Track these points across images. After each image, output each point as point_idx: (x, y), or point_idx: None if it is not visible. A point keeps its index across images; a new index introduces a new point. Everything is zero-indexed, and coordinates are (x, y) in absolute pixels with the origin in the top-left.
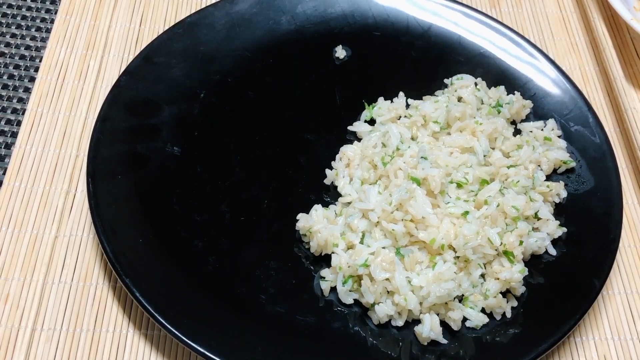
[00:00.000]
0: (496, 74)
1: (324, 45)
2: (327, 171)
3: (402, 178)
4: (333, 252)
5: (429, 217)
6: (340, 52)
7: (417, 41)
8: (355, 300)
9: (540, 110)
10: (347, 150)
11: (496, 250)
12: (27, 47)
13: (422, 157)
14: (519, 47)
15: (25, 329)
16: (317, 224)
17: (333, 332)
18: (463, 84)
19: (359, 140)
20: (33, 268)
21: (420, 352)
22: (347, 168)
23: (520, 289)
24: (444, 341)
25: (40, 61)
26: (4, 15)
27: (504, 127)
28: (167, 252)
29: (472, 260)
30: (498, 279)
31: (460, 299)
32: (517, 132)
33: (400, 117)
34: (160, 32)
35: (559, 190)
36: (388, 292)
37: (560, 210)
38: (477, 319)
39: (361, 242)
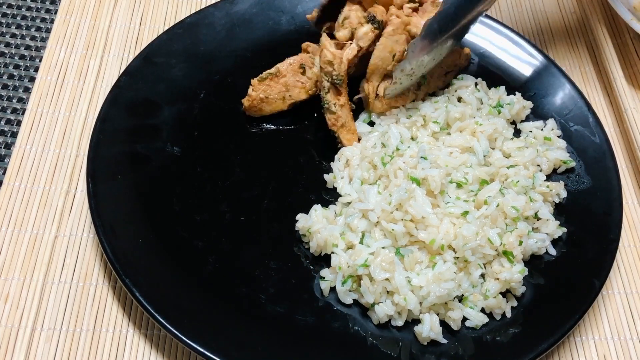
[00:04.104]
0: (496, 74)
1: None
2: (325, 176)
3: (401, 178)
4: (333, 252)
5: (428, 217)
6: None
7: None
8: (354, 300)
9: (540, 110)
10: (346, 151)
11: (496, 250)
12: (27, 47)
13: (421, 157)
14: (519, 47)
15: (25, 328)
16: (316, 224)
17: (333, 332)
18: (463, 84)
19: (358, 140)
20: (33, 268)
21: (420, 352)
22: (346, 168)
23: (520, 289)
24: (444, 341)
25: (40, 61)
26: (4, 15)
27: (504, 127)
28: (167, 252)
29: (471, 261)
30: (498, 279)
31: (460, 298)
32: (516, 132)
33: (399, 118)
34: (160, 32)
35: (559, 190)
36: (388, 292)
37: (560, 210)
38: (477, 319)
39: (361, 242)
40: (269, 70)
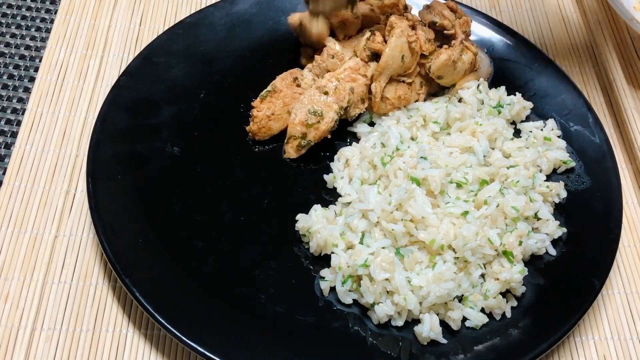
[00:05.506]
0: (496, 74)
1: None
2: (325, 176)
3: (401, 178)
4: (333, 252)
5: (428, 217)
6: None
7: None
8: (354, 300)
9: (540, 110)
10: (346, 151)
11: (496, 250)
12: (27, 47)
13: (421, 157)
14: (519, 47)
15: (25, 328)
16: (316, 224)
17: (333, 332)
18: (465, 85)
19: (358, 141)
20: (33, 268)
21: (420, 352)
22: (346, 168)
23: (520, 289)
24: (444, 341)
25: (40, 61)
26: (4, 15)
27: (504, 127)
28: (167, 252)
29: (471, 261)
30: (498, 279)
31: (460, 298)
32: (516, 132)
33: (400, 118)
34: (160, 32)
35: (559, 191)
36: (388, 292)
37: (560, 210)
38: (477, 319)
39: (361, 242)
40: (266, 89)
